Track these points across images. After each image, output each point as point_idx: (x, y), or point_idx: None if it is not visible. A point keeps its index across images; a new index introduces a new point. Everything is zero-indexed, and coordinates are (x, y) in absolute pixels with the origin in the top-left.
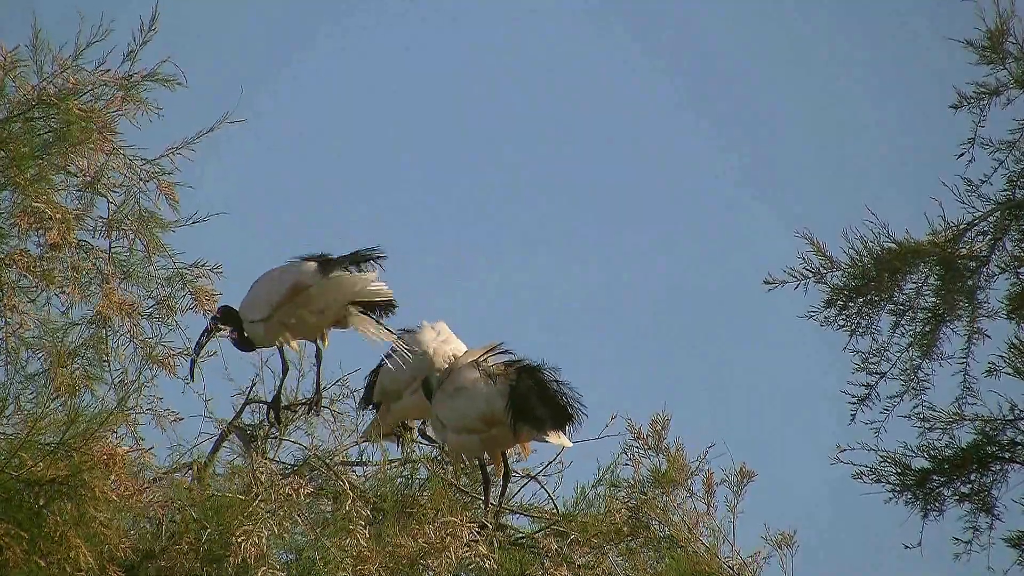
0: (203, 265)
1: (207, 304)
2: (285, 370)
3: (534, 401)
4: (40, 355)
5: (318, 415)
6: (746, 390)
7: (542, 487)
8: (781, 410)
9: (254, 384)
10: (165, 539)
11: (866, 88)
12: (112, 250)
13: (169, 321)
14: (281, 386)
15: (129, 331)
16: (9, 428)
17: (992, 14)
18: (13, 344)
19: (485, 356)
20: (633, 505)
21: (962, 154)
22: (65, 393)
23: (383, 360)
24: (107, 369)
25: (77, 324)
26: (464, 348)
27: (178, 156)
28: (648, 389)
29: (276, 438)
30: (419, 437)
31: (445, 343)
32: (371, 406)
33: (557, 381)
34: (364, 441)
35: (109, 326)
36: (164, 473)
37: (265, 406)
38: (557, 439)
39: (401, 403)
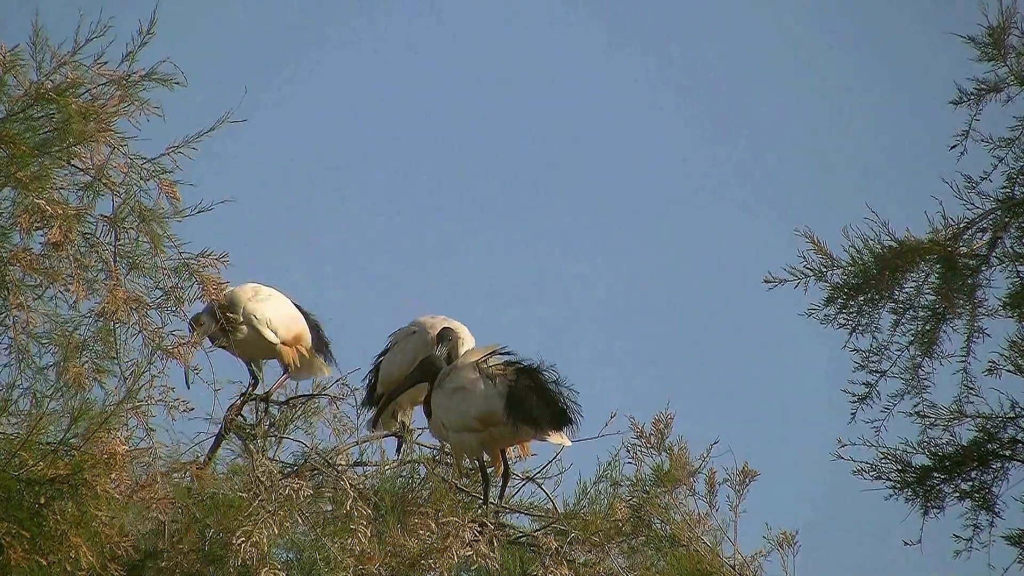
0: (209, 254)
1: (215, 293)
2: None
3: (532, 402)
4: (50, 349)
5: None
6: (746, 389)
7: (540, 487)
8: (781, 410)
9: (251, 385)
10: (166, 539)
11: (867, 86)
12: (118, 242)
13: (178, 311)
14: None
15: (138, 322)
16: (11, 427)
17: (994, 10)
18: (22, 341)
19: (485, 358)
20: (635, 504)
21: (954, 146)
22: (75, 387)
23: (379, 358)
24: (118, 361)
25: (86, 317)
26: (464, 328)
27: (179, 156)
28: (648, 388)
29: (275, 436)
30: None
31: (445, 322)
32: (373, 405)
33: (555, 382)
34: (368, 439)
35: (118, 319)
36: (169, 470)
37: (262, 404)
38: (558, 439)
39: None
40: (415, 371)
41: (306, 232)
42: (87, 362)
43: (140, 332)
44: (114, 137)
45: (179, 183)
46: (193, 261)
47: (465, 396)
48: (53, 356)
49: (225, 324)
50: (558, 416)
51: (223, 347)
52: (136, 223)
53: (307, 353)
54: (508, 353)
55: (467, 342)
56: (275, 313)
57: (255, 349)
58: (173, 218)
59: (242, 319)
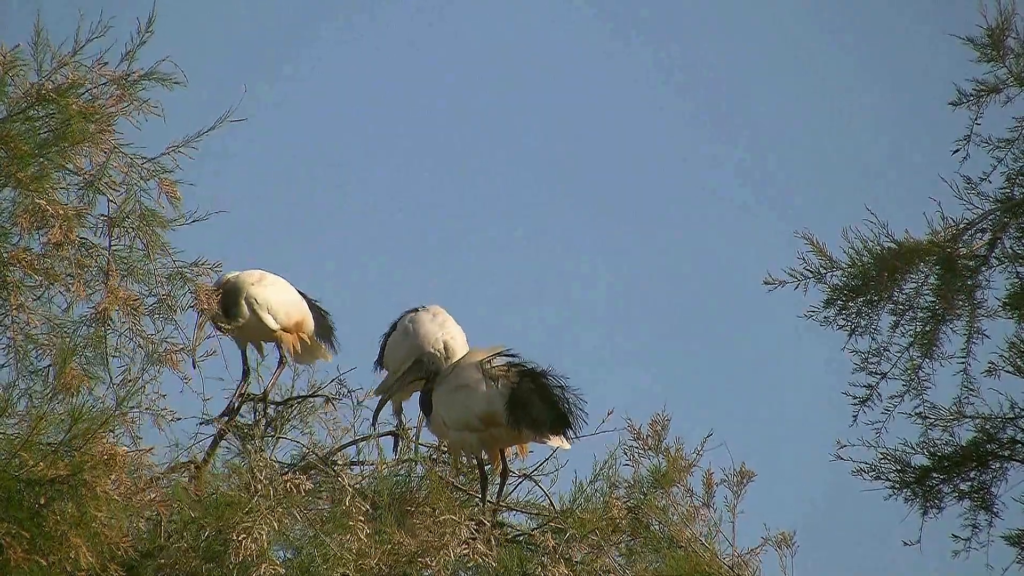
0: (203, 263)
1: (207, 302)
2: (246, 373)
3: (534, 404)
4: (48, 352)
5: (266, 411)
6: (746, 389)
7: (538, 485)
8: (781, 410)
9: (248, 383)
10: (164, 537)
11: (867, 86)
12: (113, 248)
13: (171, 319)
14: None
15: (131, 329)
16: (10, 428)
17: (993, 11)
18: (21, 342)
19: (490, 358)
20: (632, 505)
21: (957, 150)
22: (68, 391)
23: (392, 327)
24: (107, 368)
25: (81, 322)
26: (461, 331)
27: (179, 155)
28: (648, 388)
29: (273, 436)
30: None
31: (440, 326)
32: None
33: (560, 386)
34: (364, 438)
35: (110, 324)
36: (164, 472)
37: (260, 404)
38: (558, 442)
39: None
40: (410, 370)
41: (306, 231)
42: (78, 367)
43: (132, 338)
44: (114, 138)
45: (179, 183)
46: (187, 269)
47: (468, 395)
48: (49, 359)
49: (227, 308)
50: (560, 420)
51: (225, 331)
52: (136, 223)
53: (309, 340)
54: (513, 355)
55: (459, 350)
56: (276, 299)
57: (255, 333)
58: (171, 224)
59: (244, 303)
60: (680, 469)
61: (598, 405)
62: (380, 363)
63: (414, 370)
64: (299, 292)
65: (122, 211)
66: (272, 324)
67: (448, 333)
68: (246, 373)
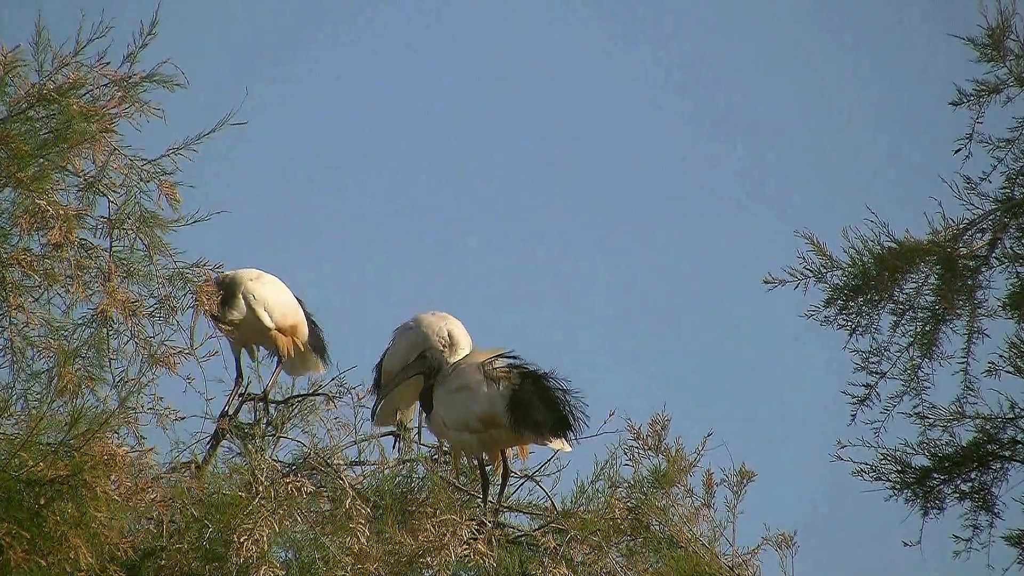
0: (204, 264)
1: (208, 303)
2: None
3: (535, 407)
4: (46, 354)
5: (266, 411)
6: (746, 389)
7: (539, 485)
8: (781, 410)
9: (242, 386)
10: (166, 538)
11: (867, 86)
12: (113, 249)
13: (170, 320)
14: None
15: (130, 330)
16: (10, 428)
17: (993, 11)
18: (19, 344)
19: (491, 359)
20: (633, 505)
21: (959, 150)
22: (68, 392)
23: (387, 347)
24: (108, 369)
25: (81, 324)
26: (462, 328)
27: (179, 156)
28: (647, 388)
29: (273, 435)
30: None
31: (443, 319)
32: (380, 391)
33: (562, 389)
34: (366, 438)
35: (111, 325)
36: (165, 472)
37: (261, 403)
38: (559, 444)
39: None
40: (413, 364)
41: (304, 232)
42: (79, 369)
43: (131, 339)
44: (115, 139)
45: (179, 184)
46: (188, 270)
47: (468, 396)
48: (48, 361)
49: (224, 301)
50: (560, 423)
51: (224, 331)
52: (136, 225)
53: (303, 347)
54: (514, 357)
55: (463, 340)
56: (273, 297)
57: (250, 332)
58: (169, 227)
59: (241, 297)
60: (680, 469)
61: (598, 405)
62: (377, 385)
63: (417, 365)
64: (297, 299)
65: (122, 212)
66: (267, 322)
67: (451, 323)
68: (239, 377)
